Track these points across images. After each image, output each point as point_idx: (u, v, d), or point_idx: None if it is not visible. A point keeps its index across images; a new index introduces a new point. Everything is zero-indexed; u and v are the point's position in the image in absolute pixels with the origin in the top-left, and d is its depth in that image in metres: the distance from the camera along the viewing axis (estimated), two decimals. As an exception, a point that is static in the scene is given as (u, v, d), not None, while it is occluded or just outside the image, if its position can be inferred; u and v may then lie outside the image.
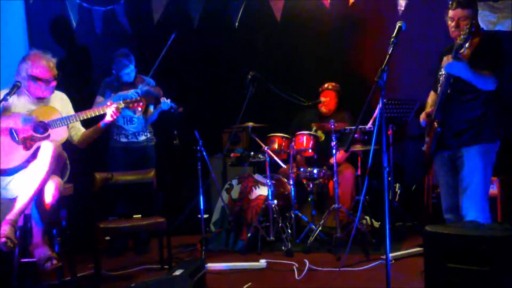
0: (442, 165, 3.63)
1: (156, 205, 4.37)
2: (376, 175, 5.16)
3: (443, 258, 2.83)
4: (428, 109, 3.68)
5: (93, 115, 3.83)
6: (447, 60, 3.32)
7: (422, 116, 3.65)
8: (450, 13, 3.43)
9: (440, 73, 3.53)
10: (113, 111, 3.86)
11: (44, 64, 3.76)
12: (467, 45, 3.36)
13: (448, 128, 3.47)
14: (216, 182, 5.11)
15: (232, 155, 5.79)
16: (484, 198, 3.40)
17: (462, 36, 3.25)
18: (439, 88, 3.50)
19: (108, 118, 3.88)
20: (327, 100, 5.44)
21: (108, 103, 3.90)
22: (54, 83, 3.83)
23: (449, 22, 3.45)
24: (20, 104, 3.77)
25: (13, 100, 3.74)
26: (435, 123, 3.49)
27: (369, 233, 4.62)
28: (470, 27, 3.24)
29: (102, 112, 3.87)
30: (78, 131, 4.00)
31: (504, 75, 3.36)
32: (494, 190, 4.47)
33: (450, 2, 3.44)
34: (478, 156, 3.39)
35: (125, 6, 5.69)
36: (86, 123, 4.04)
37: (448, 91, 3.41)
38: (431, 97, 3.74)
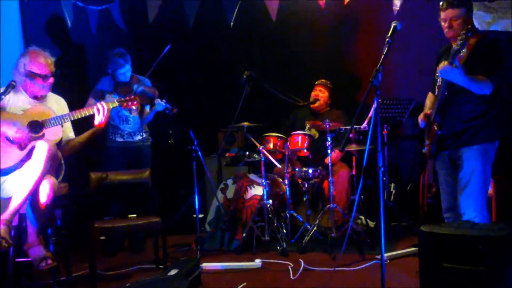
0: (442, 165, 3.63)
1: (151, 205, 4.36)
2: (371, 175, 5.16)
3: (438, 258, 2.84)
4: (427, 110, 3.67)
5: (87, 114, 3.80)
6: (442, 65, 3.32)
7: (421, 117, 3.63)
8: (442, 14, 3.42)
9: (437, 74, 3.51)
10: (102, 109, 3.76)
11: (42, 60, 3.74)
12: (464, 50, 3.35)
13: (448, 129, 3.47)
14: (211, 181, 5.11)
15: (227, 154, 5.79)
16: (483, 197, 3.40)
17: (458, 42, 3.23)
18: (437, 90, 3.50)
19: (97, 120, 3.79)
20: (316, 94, 5.45)
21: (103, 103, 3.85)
22: (51, 80, 3.81)
23: (442, 23, 3.45)
24: (16, 102, 3.76)
25: (9, 98, 3.72)
26: (435, 126, 3.48)
27: (364, 233, 4.61)
28: (466, 33, 3.22)
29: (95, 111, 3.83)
30: (67, 137, 3.92)
31: (502, 78, 3.35)
32: (489, 190, 4.47)
33: (441, 3, 3.43)
34: (477, 156, 3.39)
35: (120, 5, 5.68)
36: (76, 131, 3.99)
37: (446, 93, 3.42)
38: (429, 99, 3.74)
